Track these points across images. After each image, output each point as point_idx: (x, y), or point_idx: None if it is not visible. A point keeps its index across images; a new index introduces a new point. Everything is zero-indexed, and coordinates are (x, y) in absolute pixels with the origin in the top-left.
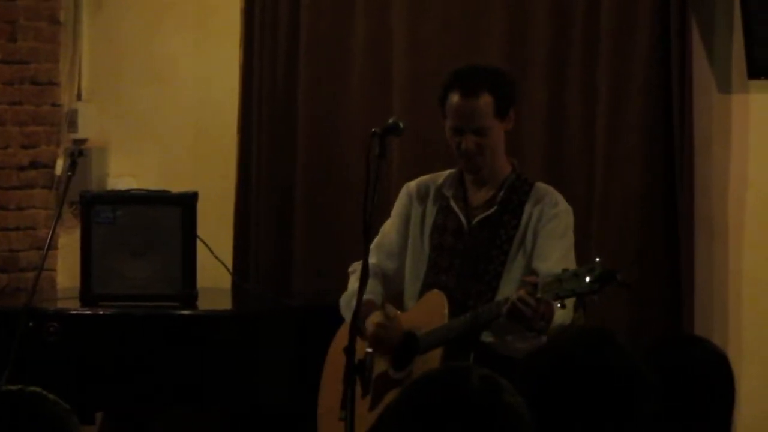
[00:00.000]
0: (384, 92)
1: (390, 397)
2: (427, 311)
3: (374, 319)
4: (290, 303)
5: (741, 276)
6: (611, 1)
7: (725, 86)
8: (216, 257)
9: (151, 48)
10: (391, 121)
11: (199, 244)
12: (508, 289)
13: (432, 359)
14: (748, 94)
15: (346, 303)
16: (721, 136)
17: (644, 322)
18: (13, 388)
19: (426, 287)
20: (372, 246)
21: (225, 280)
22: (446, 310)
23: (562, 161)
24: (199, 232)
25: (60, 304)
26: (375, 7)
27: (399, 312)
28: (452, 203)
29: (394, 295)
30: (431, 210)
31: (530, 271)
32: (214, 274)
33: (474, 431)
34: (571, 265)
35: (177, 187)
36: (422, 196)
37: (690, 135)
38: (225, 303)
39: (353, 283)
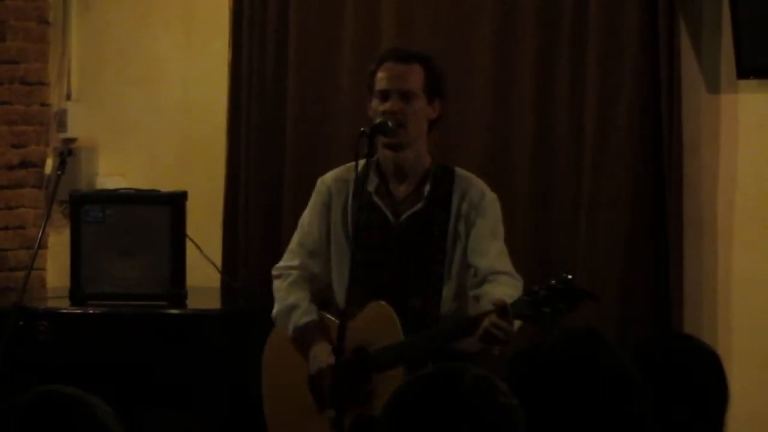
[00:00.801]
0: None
1: (353, 412)
2: (375, 325)
3: (321, 355)
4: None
5: (730, 275)
6: (599, 1)
7: (714, 86)
8: (205, 256)
9: (140, 48)
10: (379, 120)
11: (189, 244)
12: (452, 287)
13: (394, 375)
14: (736, 93)
15: (283, 318)
16: (710, 136)
17: (633, 321)
18: (55, 388)
19: (357, 285)
20: (291, 246)
21: (214, 280)
22: (398, 327)
23: (550, 161)
24: (188, 231)
25: (50, 304)
26: (364, 7)
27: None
28: (375, 198)
29: (322, 289)
30: (352, 204)
31: (467, 265)
32: (204, 273)
33: None
34: (506, 258)
35: (166, 186)
36: (340, 189)
37: (679, 135)
38: (214, 302)
39: (284, 295)
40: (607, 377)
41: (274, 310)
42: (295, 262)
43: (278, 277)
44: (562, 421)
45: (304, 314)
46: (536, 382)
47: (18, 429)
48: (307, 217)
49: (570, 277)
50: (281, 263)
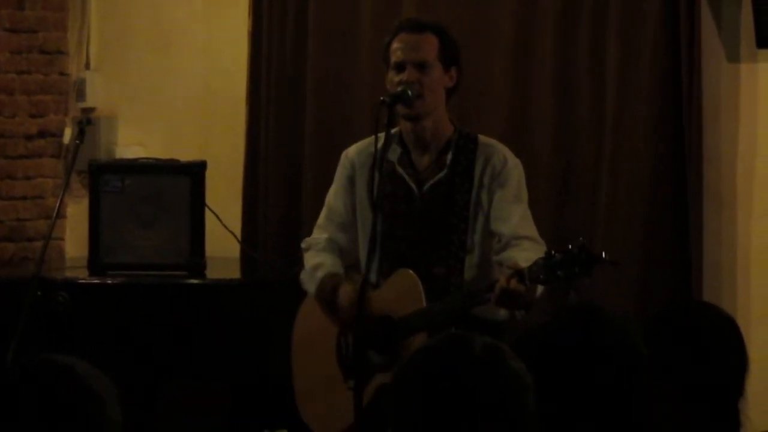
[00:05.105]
0: None
1: (377, 380)
2: (400, 293)
3: (348, 292)
4: (299, 272)
5: (750, 244)
6: None
7: (734, 55)
8: (225, 226)
9: (159, 16)
10: (399, 89)
11: (208, 214)
12: (475, 255)
13: (418, 342)
14: (756, 63)
15: (309, 277)
16: (730, 106)
17: (653, 291)
18: (48, 357)
19: (384, 256)
20: (320, 222)
21: (234, 250)
22: (422, 294)
23: (571, 131)
24: (208, 201)
25: (68, 274)
26: None
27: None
28: (398, 168)
29: (351, 265)
30: (376, 176)
31: (490, 232)
32: (223, 243)
33: (478, 397)
34: (530, 222)
35: (185, 156)
36: (364, 162)
37: (699, 104)
38: (234, 272)
39: (311, 259)
40: (607, 352)
41: (301, 274)
42: (324, 236)
43: (307, 249)
44: (565, 399)
45: (329, 269)
46: (537, 362)
47: (7, 397)
48: (333, 192)
49: (585, 241)
50: (310, 237)
